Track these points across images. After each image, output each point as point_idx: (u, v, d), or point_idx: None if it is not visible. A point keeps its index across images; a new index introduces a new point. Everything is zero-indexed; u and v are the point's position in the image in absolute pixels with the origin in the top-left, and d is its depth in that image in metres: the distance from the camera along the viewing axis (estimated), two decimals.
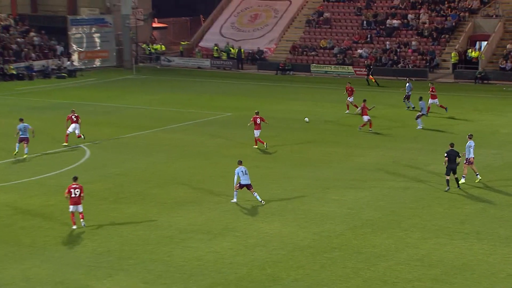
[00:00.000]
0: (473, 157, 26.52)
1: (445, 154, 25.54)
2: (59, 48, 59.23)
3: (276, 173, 28.57)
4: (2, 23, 59.09)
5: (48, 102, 45.03)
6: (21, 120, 31.24)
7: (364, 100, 37.19)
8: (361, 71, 56.66)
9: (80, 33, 60.39)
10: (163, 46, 66.08)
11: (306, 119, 37.89)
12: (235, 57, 61.30)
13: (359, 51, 59.09)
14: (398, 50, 58.09)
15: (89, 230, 21.94)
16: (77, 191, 21.93)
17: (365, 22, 61.60)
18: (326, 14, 63.56)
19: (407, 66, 56.47)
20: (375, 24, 61.16)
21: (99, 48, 61.39)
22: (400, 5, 62.12)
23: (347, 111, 40.52)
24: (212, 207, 24.35)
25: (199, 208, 24.15)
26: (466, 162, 26.56)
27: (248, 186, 24.45)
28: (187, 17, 76.87)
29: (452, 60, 55.86)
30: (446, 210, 23.93)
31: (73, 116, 33.14)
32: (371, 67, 54.22)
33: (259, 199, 24.47)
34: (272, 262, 19.62)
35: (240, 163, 24.75)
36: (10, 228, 22.01)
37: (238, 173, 24.44)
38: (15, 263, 19.29)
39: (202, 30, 67.10)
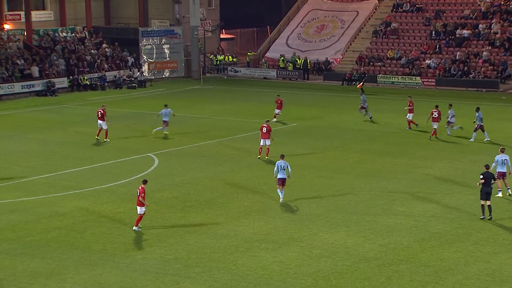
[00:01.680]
0: (504, 172, 25.87)
1: (481, 176, 23.64)
2: (130, 59, 60.66)
3: (341, 183, 28.36)
4: (77, 36, 61.00)
5: (119, 111, 46.09)
6: (165, 106, 37.88)
7: (436, 106, 36.80)
8: (429, 82, 55.78)
9: (150, 45, 61.68)
10: (230, 56, 66.74)
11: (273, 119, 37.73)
12: (301, 67, 61.30)
13: (427, 61, 58.13)
14: (468, 60, 56.85)
15: (157, 237, 22.29)
16: (143, 195, 22.66)
17: (433, 32, 60.58)
18: (394, 25, 62.86)
19: (477, 76, 55.18)
20: (444, 34, 60.07)
21: (168, 59, 62.53)
22: (471, 15, 60.83)
23: (408, 128, 39.49)
24: (277, 216, 24.37)
25: (265, 218, 24.21)
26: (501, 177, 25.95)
27: (283, 181, 25.50)
28: (254, 28, 77.44)
29: None
30: None
31: (99, 113, 36.26)
32: (364, 76, 55.46)
33: (282, 196, 25.59)
34: (337, 273, 19.46)
35: (282, 157, 25.80)
36: (82, 234, 22.58)
37: (278, 166, 25.57)
38: (87, 269, 19.77)
39: (269, 41, 67.46)
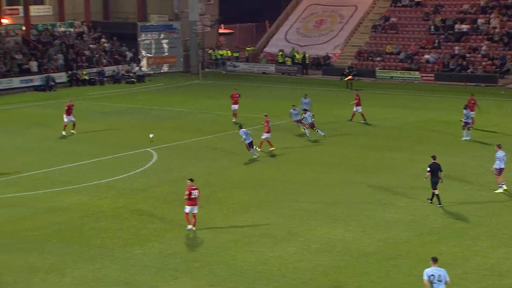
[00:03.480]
0: (498, 168, 25.70)
1: (428, 168, 24.43)
2: (129, 54, 60.53)
3: (338, 178, 28.33)
4: (76, 30, 60.86)
5: (118, 106, 46.05)
6: (305, 95, 39.02)
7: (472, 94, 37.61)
8: (428, 76, 55.75)
9: (149, 39, 61.55)
10: (229, 51, 66.64)
11: (151, 135, 35.19)
12: (300, 62, 61.19)
13: (426, 56, 58.05)
14: (467, 55, 56.76)
15: (156, 232, 22.27)
16: (196, 192, 22.09)
17: (432, 27, 60.47)
18: (393, 19, 62.74)
19: (476, 71, 55.13)
20: (443, 29, 59.97)
21: (167, 53, 62.42)
22: (470, 10, 60.71)
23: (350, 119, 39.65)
24: (276, 211, 24.35)
25: (263, 213, 24.19)
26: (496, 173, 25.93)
27: (251, 144, 30.88)
28: (253, 23, 77.30)
29: None
30: None
31: (67, 106, 36.52)
32: (351, 70, 55.48)
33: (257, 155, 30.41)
34: (337, 267, 19.45)
35: (240, 127, 31.58)
36: (81, 229, 22.56)
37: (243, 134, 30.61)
38: (86, 264, 19.75)
39: (268, 35, 67.33)
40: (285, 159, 31.78)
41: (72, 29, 60.68)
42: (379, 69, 57.80)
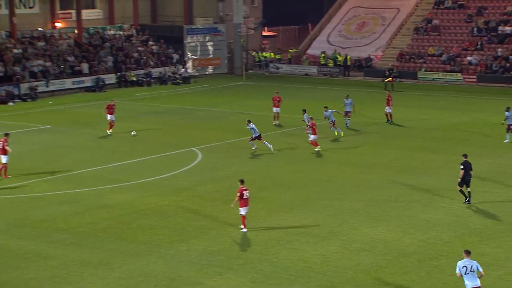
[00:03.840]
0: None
1: (461, 166, 24.48)
2: (175, 56, 61.15)
3: (380, 179, 28.11)
4: (125, 33, 61.78)
5: (164, 107, 46.56)
6: (347, 96, 38.63)
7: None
8: (470, 78, 54.87)
9: (194, 42, 62.05)
10: (272, 53, 66.71)
11: (133, 132, 36.11)
12: (342, 64, 60.91)
13: (469, 58, 57.11)
14: (510, 57, 55.60)
15: (200, 230, 22.47)
16: (248, 193, 21.87)
17: (475, 29, 59.45)
18: (435, 21, 61.90)
19: None
20: (486, 31, 58.90)
21: (211, 55, 62.83)
22: None
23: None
24: (317, 210, 24.32)
25: (305, 212, 24.18)
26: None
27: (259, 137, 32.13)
28: (296, 26, 77.22)
29: None
30: None
31: (108, 107, 37.03)
32: (391, 72, 55.20)
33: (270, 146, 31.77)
34: (378, 267, 19.34)
35: (249, 122, 32.64)
36: (129, 226, 22.90)
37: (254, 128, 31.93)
38: (133, 259, 20.05)
39: (310, 38, 67.16)
40: (327, 159, 31.69)
41: (121, 32, 61.62)
42: (424, 70, 57.09)
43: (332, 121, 36.39)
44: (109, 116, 37.11)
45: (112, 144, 35.31)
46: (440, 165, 30.38)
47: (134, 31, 62.68)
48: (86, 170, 29.98)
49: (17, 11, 54.59)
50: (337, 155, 32.36)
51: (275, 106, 40.00)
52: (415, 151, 32.91)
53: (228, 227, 22.63)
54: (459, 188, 24.65)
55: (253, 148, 32.81)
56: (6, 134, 29.62)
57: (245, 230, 22.00)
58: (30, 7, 57.45)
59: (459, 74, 55.75)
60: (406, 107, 45.14)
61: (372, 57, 61.28)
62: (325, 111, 37.05)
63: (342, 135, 35.97)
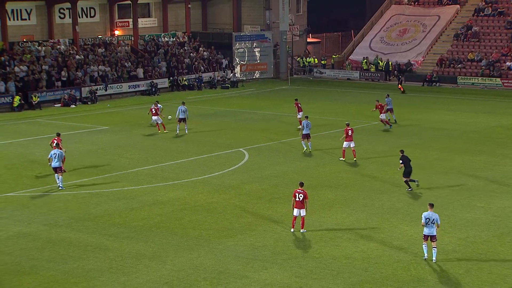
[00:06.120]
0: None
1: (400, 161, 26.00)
2: (224, 62, 61.50)
3: (420, 179, 27.60)
4: (178, 40, 62.44)
5: (214, 109, 46.86)
6: (387, 95, 38.88)
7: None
8: (509, 83, 53.57)
9: (242, 48, 62.28)
10: (316, 59, 66.42)
11: (169, 117, 38.01)
12: (383, 69, 60.27)
13: (508, 63, 55.75)
14: None
15: (247, 226, 22.52)
16: (301, 196, 21.44)
17: None
18: (475, 28, 60.64)
19: None
20: None
21: (258, 61, 62.94)
22: None
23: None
24: (359, 209, 24.10)
25: (347, 210, 23.99)
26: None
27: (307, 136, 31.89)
28: (339, 32, 76.77)
29: None
30: None
31: (153, 109, 37.57)
32: (400, 76, 55.14)
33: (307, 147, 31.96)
34: (417, 264, 19.04)
35: (306, 117, 32.58)
36: (180, 221, 23.11)
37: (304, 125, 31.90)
38: (184, 252, 20.22)
39: (353, 44, 66.64)
40: (368, 160, 31.36)
41: (174, 39, 62.31)
42: (463, 76, 56.03)
43: (388, 109, 38.28)
44: (154, 118, 37.74)
45: (166, 144, 35.70)
46: (479, 166, 29.74)
47: (186, 38, 63.27)
48: (141, 168, 30.38)
49: (79, 20, 55.77)
50: (378, 156, 31.98)
51: (299, 111, 39.33)
52: (455, 153, 32.30)
53: (273, 224, 22.62)
54: (404, 179, 26.08)
55: (305, 150, 32.41)
56: (58, 134, 30.40)
57: (292, 230, 21.70)
58: (92, 16, 58.63)
59: (498, 79, 54.48)
60: (445, 110, 44.35)
61: (412, 62, 60.43)
62: (387, 97, 38.70)
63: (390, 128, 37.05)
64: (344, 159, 30.95)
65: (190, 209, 24.37)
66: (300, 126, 34.96)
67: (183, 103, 38.15)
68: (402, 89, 52.64)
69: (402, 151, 26.47)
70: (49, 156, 27.25)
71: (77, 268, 19.08)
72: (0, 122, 42.81)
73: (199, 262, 19.47)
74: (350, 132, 30.72)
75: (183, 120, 37.36)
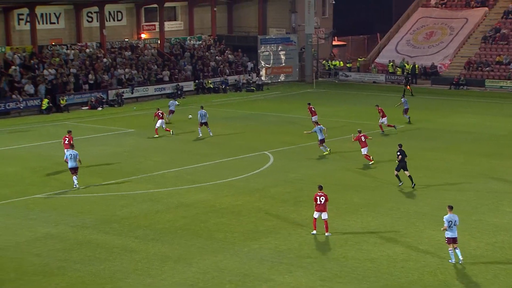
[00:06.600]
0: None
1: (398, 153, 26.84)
2: (250, 65, 61.57)
3: (447, 183, 27.36)
4: (204, 43, 62.74)
5: (239, 112, 46.91)
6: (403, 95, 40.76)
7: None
8: None
9: (268, 51, 62.31)
10: (341, 62, 66.16)
11: (190, 116, 38.63)
12: (409, 72, 59.75)
13: None
14: None
15: (272, 229, 22.47)
16: (322, 199, 21.53)
17: None
18: (504, 31, 59.84)
19: None
20: None
21: (284, 64, 62.90)
22: None
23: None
24: (384, 213, 23.90)
25: (372, 214, 23.81)
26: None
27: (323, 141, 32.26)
28: (365, 35, 76.37)
29: None
30: None
31: (159, 113, 38.21)
32: (409, 77, 54.89)
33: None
34: (444, 268, 18.81)
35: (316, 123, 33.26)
36: (206, 224, 23.14)
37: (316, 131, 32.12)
38: (209, 255, 20.24)
39: (379, 47, 66.24)
40: (394, 163, 31.05)
41: (200, 42, 62.59)
42: (491, 79, 55.31)
43: (405, 109, 39.84)
44: (159, 122, 38.16)
45: (191, 147, 35.83)
46: (507, 170, 29.30)
47: (212, 41, 63.52)
48: (167, 171, 30.52)
49: (107, 23, 56.36)
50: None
51: (313, 115, 39.21)
52: (483, 157, 31.87)
53: (298, 227, 22.54)
54: (395, 172, 26.70)
55: (325, 152, 32.53)
56: (69, 131, 31.41)
57: (314, 232, 21.68)
58: (119, 20, 59.21)
59: None
60: (473, 114, 43.83)
61: (439, 65, 59.84)
62: (402, 97, 40.38)
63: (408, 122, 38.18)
64: (372, 161, 30.75)
65: (215, 212, 24.40)
66: (308, 131, 34.18)
67: (202, 107, 38.47)
68: (410, 90, 51.86)
69: (400, 145, 27.36)
70: (65, 157, 27.76)
71: (103, 269, 19.22)
72: (29, 124, 43.43)
73: (224, 265, 19.47)
74: (363, 138, 30.59)
75: (205, 124, 37.52)
